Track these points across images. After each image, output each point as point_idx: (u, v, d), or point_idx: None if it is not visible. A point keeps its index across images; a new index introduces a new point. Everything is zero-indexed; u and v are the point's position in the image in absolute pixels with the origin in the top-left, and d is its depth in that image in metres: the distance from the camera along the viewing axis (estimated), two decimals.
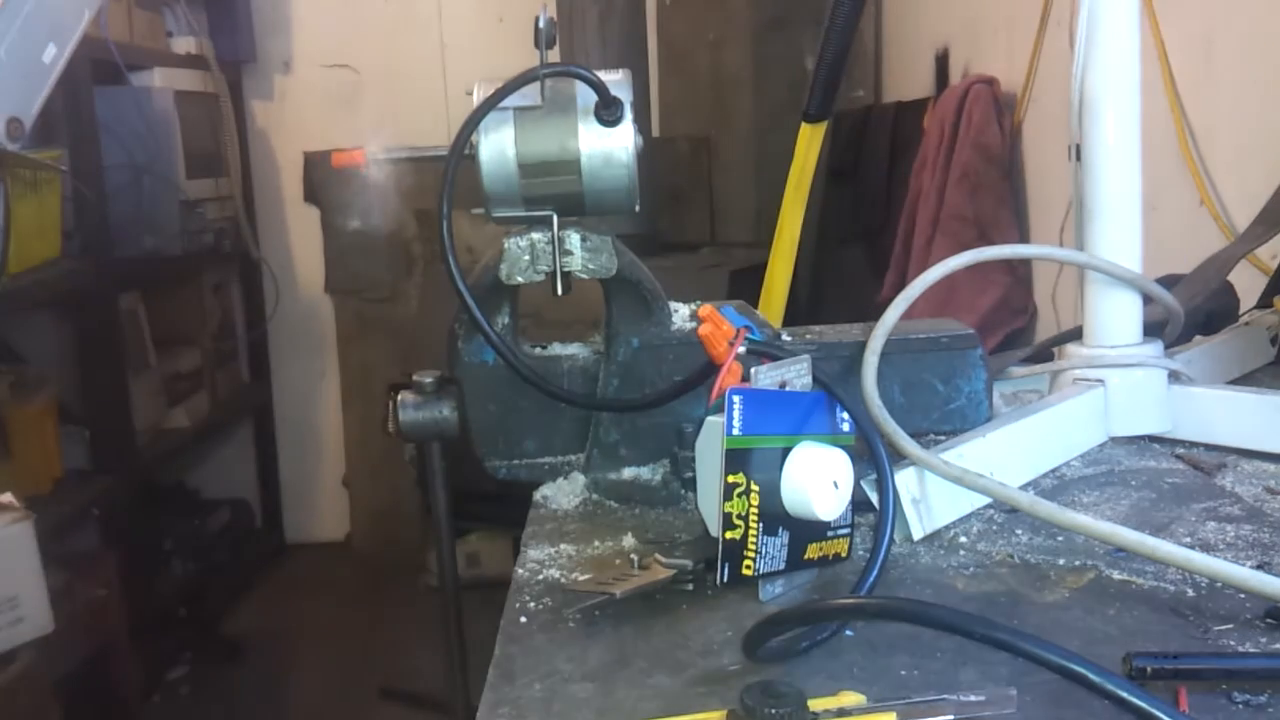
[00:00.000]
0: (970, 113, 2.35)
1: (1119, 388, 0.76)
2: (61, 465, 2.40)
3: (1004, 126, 2.34)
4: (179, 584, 2.92)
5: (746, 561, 0.53)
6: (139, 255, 2.75)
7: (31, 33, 1.07)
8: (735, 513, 0.53)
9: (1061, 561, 0.58)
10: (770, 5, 3.46)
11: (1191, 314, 0.82)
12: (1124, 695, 0.37)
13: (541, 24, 0.67)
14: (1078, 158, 0.76)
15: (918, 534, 0.62)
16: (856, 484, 0.56)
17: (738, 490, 0.53)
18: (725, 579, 0.53)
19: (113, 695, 2.34)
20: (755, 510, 0.53)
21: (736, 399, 0.53)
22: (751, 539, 0.53)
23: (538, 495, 0.73)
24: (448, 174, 0.67)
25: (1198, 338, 0.91)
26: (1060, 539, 0.60)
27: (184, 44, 3.17)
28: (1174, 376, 0.76)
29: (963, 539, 0.62)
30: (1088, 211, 0.76)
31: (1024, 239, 2.32)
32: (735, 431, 0.53)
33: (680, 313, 0.75)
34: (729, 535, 0.53)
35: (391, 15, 3.58)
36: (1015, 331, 2.24)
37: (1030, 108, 2.30)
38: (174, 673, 2.69)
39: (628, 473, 0.73)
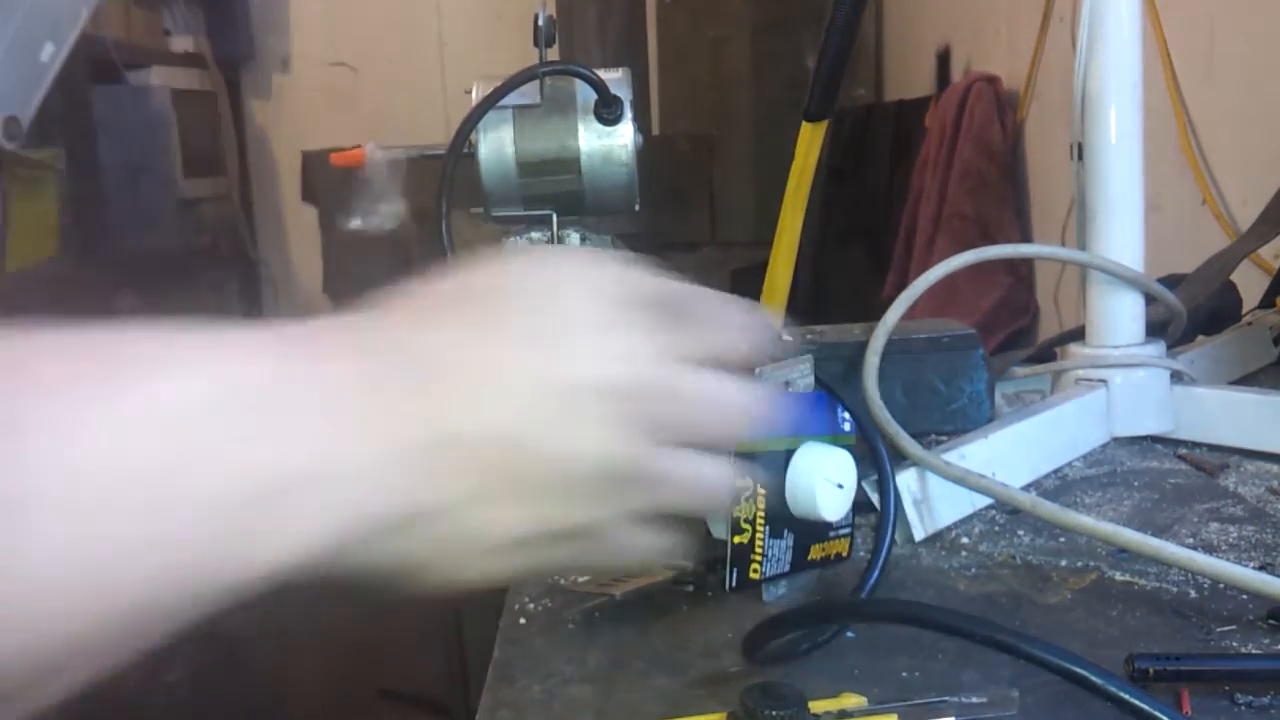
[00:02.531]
0: (972, 111, 2.35)
1: (1121, 388, 0.76)
2: None
3: (1006, 125, 2.34)
4: None
5: (754, 565, 0.53)
6: (136, 255, 2.75)
7: (29, 31, 1.07)
8: (743, 517, 0.53)
9: (1064, 562, 0.57)
10: (770, 3, 3.46)
11: (1194, 314, 0.82)
12: (1126, 697, 0.37)
13: (541, 22, 0.67)
14: (1080, 156, 0.76)
15: (919, 535, 0.61)
16: (858, 484, 0.56)
17: (745, 494, 0.53)
18: (734, 584, 0.53)
19: (111, 696, 2.34)
20: (762, 514, 0.53)
21: None
22: (759, 542, 0.53)
23: None
24: (446, 173, 0.67)
25: (1200, 338, 0.90)
26: (1062, 540, 0.60)
27: (182, 42, 3.18)
28: (1176, 377, 0.76)
29: (964, 540, 0.61)
30: (1090, 211, 0.76)
31: (1026, 238, 2.32)
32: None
33: None
34: (737, 540, 0.53)
35: (390, 13, 3.58)
36: (1017, 331, 2.24)
37: (1032, 106, 2.30)
38: (173, 674, 2.69)
39: None
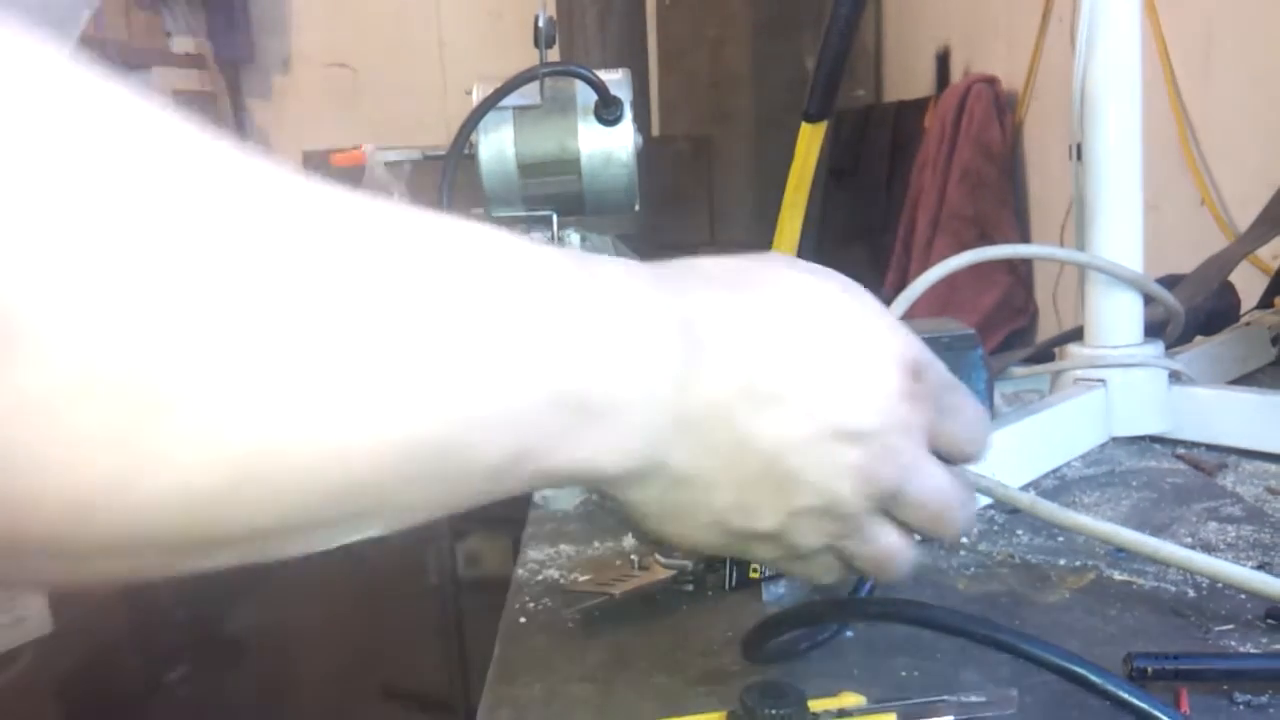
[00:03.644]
0: (971, 112, 2.35)
1: (1120, 388, 0.76)
2: None
3: (1005, 126, 2.34)
4: (179, 584, 2.90)
5: (753, 565, 0.53)
6: None
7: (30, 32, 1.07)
8: None
9: (1062, 562, 0.58)
10: (770, 4, 3.47)
11: (1192, 314, 0.82)
12: (1125, 696, 0.37)
13: (541, 23, 0.67)
14: (1079, 157, 0.76)
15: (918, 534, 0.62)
16: None
17: None
18: (734, 583, 0.53)
19: (113, 695, 2.34)
20: None
21: None
22: None
23: (538, 495, 0.73)
24: (447, 174, 0.67)
25: (1198, 338, 0.91)
26: (1061, 539, 0.60)
27: (182, 44, 3.18)
28: (1175, 377, 0.76)
29: (963, 539, 0.61)
30: (1089, 211, 0.76)
31: (1025, 238, 2.32)
32: None
33: None
34: None
35: (390, 14, 3.58)
36: (1016, 331, 2.25)
37: (1031, 107, 2.30)
38: (174, 672, 2.69)
39: None
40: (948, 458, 0.40)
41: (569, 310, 0.31)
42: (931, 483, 0.39)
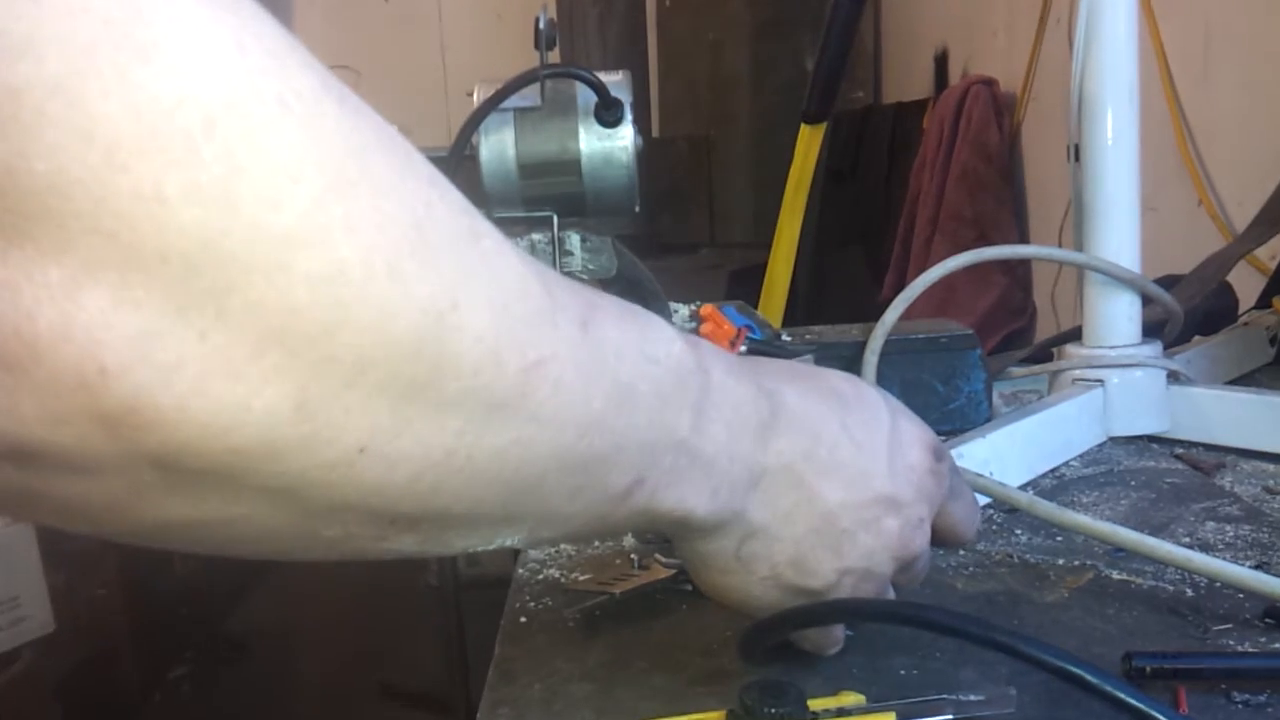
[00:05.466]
0: (969, 113, 2.35)
1: (1118, 388, 0.76)
2: None
3: (1003, 127, 2.35)
4: (180, 583, 2.91)
5: None
6: None
7: None
8: None
9: (1061, 561, 0.58)
10: (770, 6, 3.47)
11: (1190, 314, 0.82)
12: (1121, 696, 0.37)
13: (542, 25, 0.67)
14: (1076, 158, 0.76)
15: None
16: None
17: None
18: None
19: (114, 694, 2.34)
20: None
21: None
22: None
23: None
24: (448, 174, 0.67)
25: (1196, 338, 0.91)
26: (1059, 539, 0.60)
27: None
28: (1173, 377, 0.77)
29: None
30: (1087, 212, 0.76)
31: (1023, 239, 2.32)
32: None
33: (680, 313, 0.75)
34: None
35: (392, 16, 3.59)
36: (1015, 332, 2.25)
37: (1029, 108, 2.30)
38: (175, 671, 2.69)
39: None
40: (944, 536, 0.46)
41: (689, 378, 0.36)
42: (928, 555, 0.45)
